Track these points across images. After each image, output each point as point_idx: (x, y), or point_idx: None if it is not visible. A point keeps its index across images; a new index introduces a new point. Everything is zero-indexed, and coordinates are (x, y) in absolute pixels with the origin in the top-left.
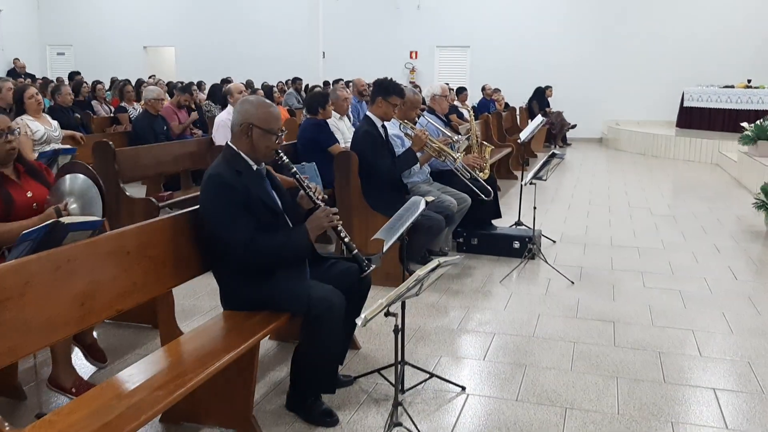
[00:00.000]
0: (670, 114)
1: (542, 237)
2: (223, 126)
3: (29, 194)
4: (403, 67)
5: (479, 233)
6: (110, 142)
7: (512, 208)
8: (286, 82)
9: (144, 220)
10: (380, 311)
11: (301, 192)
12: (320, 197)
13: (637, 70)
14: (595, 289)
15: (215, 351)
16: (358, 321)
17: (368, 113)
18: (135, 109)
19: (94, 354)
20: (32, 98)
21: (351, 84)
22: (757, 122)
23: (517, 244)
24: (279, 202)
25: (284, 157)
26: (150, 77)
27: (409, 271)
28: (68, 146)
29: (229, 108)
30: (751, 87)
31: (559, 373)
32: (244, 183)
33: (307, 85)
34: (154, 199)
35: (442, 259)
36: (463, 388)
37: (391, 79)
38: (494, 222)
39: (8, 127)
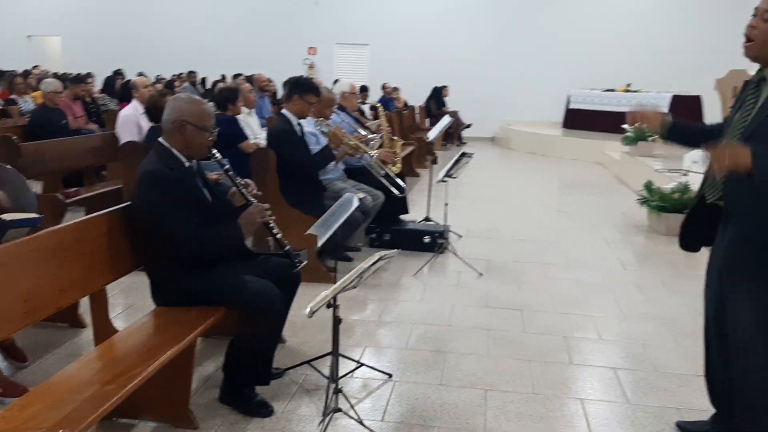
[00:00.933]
0: (558, 115)
1: (449, 232)
2: (128, 121)
3: None
4: (301, 63)
5: (392, 229)
6: (14, 137)
7: (417, 204)
8: (180, 75)
9: (50, 218)
10: (325, 302)
11: (233, 188)
12: (253, 193)
13: (527, 73)
14: (502, 279)
15: (157, 346)
16: (306, 311)
17: (284, 111)
18: (26, 102)
19: (13, 354)
20: None
21: (252, 79)
22: (637, 124)
23: (427, 239)
24: (210, 198)
25: (217, 154)
26: (34, 68)
27: (328, 267)
28: None
29: (134, 103)
30: (630, 91)
31: (477, 358)
32: (178, 178)
33: (203, 79)
34: (60, 196)
35: (383, 253)
36: (390, 376)
37: (307, 77)
38: (403, 218)
39: None
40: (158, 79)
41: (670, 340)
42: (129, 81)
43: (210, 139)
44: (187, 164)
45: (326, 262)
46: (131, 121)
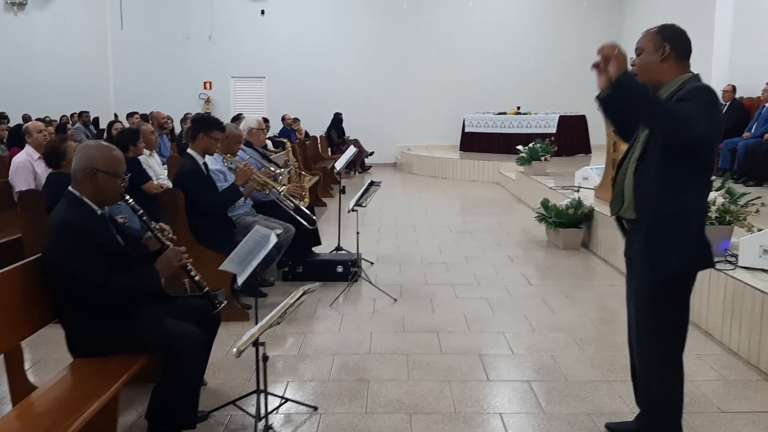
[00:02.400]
0: (455, 139)
1: (362, 260)
2: (23, 168)
3: None
4: (197, 97)
5: (304, 261)
6: None
7: (326, 234)
8: (72, 115)
9: None
10: (251, 341)
11: (148, 233)
12: (169, 237)
13: (423, 99)
14: (416, 303)
15: (81, 399)
16: (233, 350)
17: (189, 150)
18: None
19: None
20: None
21: (150, 117)
22: (530, 145)
23: (340, 269)
24: (123, 245)
25: (130, 200)
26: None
27: (242, 305)
28: None
29: (28, 149)
30: (520, 113)
31: (399, 383)
32: (91, 226)
33: (96, 118)
34: None
35: (306, 287)
36: (316, 408)
37: (210, 114)
38: (314, 249)
39: None
40: (46, 121)
41: (576, 349)
42: (21, 126)
43: (122, 185)
44: (99, 212)
45: (240, 299)
46: (26, 168)
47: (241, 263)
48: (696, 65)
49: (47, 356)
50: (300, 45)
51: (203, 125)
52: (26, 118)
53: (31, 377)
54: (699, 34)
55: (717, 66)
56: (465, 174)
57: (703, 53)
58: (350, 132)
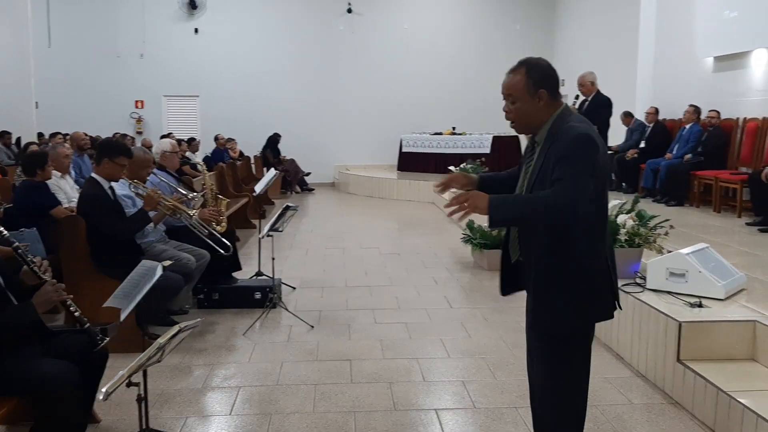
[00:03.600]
0: (392, 159)
1: (282, 285)
2: None
3: None
4: (128, 116)
5: (220, 287)
6: None
7: (253, 258)
8: None
9: None
10: (122, 383)
11: (25, 267)
12: (45, 272)
13: (360, 119)
14: (333, 330)
15: None
16: (99, 395)
17: (93, 174)
18: None
19: None
20: None
21: (69, 138)
22: (462, 165)
23: (258, 295)
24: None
25: (4, 232)
26: None
27: (149, 335)
28: None
29: None
30: (456, 133)
31: (302, 416)
32: None
33: (18, 139)
34: None
35: (183, 325)
36: None
37: (118, 137)
38: (235, 274)
39: None
40: None
41: (488, 375)
42: None
43: None
44: None
45: (147, 329)
46: None
47: (125, 297)
48: (621, 88)
49: None
50: (234, 64)
51: (108, 150)
52: None
53: None
54: (624, 57)
55: (641, 88)
56: (401, 194)
57: (627, 76)
58: (287, 152)
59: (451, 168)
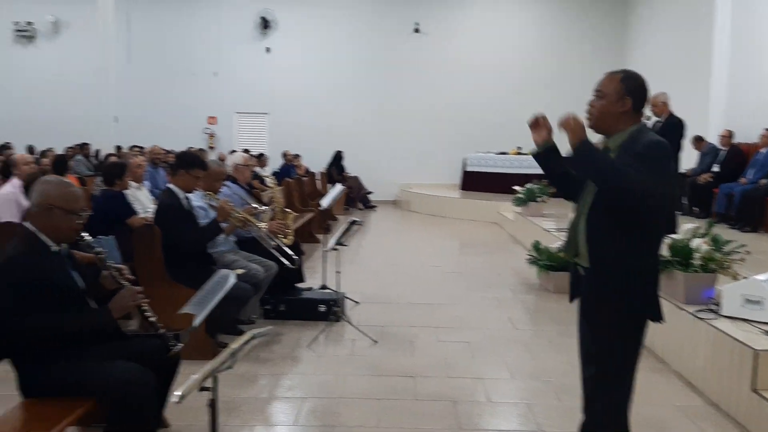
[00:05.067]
0: (456, 177)
1: (346, 299)
2: (7, 200)
3: None
4: (201, 132)
5: (286, 299)
6: None
7: (317, 272)
8: (74, 147)
9: None
10: (196, 387)
11: (105, 272)
12: (125, 277)
13: (424, 138)
14: (396, 346)
15: None
16: (173, 398)
17: (170, 185)
18: None
19: None
20: None
21: (146, 151)
22: (527, 185)
23: (322, 308)
24: (81, 283)
25: (88, 238)
26: None
27: (219, 343)
28: None
29: (14, 180)
30: (521, 153)
31: (366, 430)
32: (41, 265)
33: (97, 151)
34: None
35: (255, 332)
36: None
37: (194, 150)
38: (299, 286)
39: None
40: (43, 153)
41: (553, 398)
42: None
43: (79, 222)
44: (54, 248)
45: (216, 338)
46: (10, 200)
47: (200, 304)
48: (693, 110)
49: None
50: (303, 82)
51: (185, 162)
52: (30, 150)
53: None
54: (696, 78)
55: (714, 110)
56: (464, 213)
57: (700, 98)
58: (352, 169)
59: (516, 188)
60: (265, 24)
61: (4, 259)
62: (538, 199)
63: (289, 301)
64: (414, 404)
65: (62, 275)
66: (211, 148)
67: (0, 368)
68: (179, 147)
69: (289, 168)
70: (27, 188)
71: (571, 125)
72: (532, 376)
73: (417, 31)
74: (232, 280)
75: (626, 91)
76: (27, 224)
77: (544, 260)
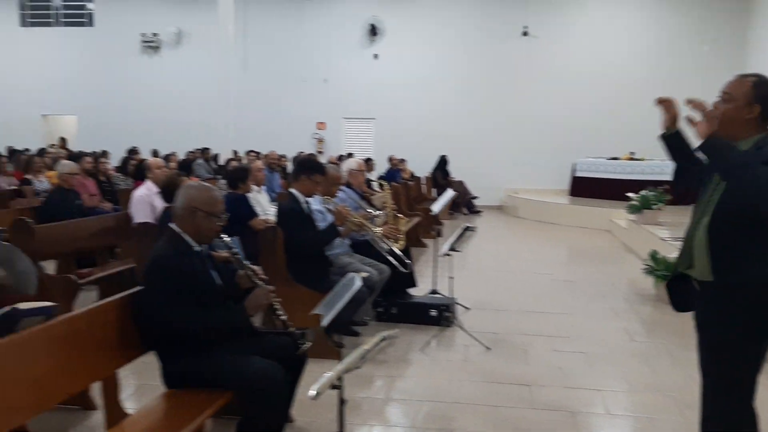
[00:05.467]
0: (563, 183)
1: (456, 304)
2: (141, 202)
3: None
4: (311, 137)
5: (398, 302)
6: (29, 220)
7: (423, 276)
8: (194, 151)
9: (63, 298)
10: (329, 385)
11: (240, 271)
12: (259, 277)
13: (531, 142)
14: (510, 353)
15: (166, 430)
16: (309, 394)
17: (292, 189)
18: (41, 182)
19: None
20: None
21: (263, 155)
22: (642, 192)
23: (434, 313)
24: (219, 281)
25: (226, 239)
26: (51, 146)
27: (336, 343)
28: None
29: (148, 183)
30: (634, 159)
31: None
32: (187, 264)
33: (216, 155)
34: (73, 277)
35: (386, 334)
36: None
37: (306, 155)
38: (410, 291)
39: None
40: (167, 157)
41: (675, 413)
42: (143, 161)
43: (219, 224)
44: (196, 248)
45: (333, 337)
46: (145, 202)
47: (327, 305)
48: None
49: (148, 383)
50: (409, 87)
51: (305, 168)
52: (154, 154)
53: (133, 403)
54: None
55: None
56: (573, 220)
57: None
58: (456, 173)
59: (630, 195)
60: (374, 31)
61: (152, 258)
62: (654, 206)
63: (401, 305)
64: (531, 413)
65: (204, 274)
66: (320, 152)
67: (147, 359)
68: (290, 152)
69: (395, 172)
70: (164, 190)
71: (716, 115)
72: (653, 389)
73: (525, 34)
74: (358, 283)
75: (756, 97)
76: (173, 226)
77: (662, 270)
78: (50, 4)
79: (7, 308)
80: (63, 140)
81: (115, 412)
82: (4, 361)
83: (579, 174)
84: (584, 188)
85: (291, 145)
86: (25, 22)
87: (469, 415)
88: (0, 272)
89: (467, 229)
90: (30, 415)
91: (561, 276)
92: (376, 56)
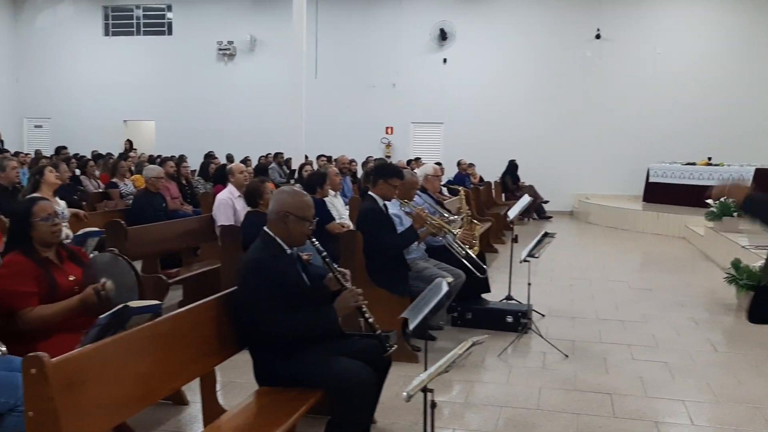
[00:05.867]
0: (637, 189)
1: (532, 311)
2: (224, 205)
3: (71, 278)
4: (379, 142)
5: (473, 308)
6: (122, 221)
7: (496, 282)
8: (267, 156)
9: (153, 297)
10: (420, 387)
11: (330, 274)
12: (347, 280)
13: (603, 147)
14: (589, 361)
15: (262, 427)
16: (403, 395)
17: (371, 193)
18: (126, 185)
19: (123, 430)
20: (51, 175)
21: (334, 160)
22: (722, 199)
23: (510, 319)
24: (308, 283)
25: (316, 242)
26: (131, 151)
27: (413, 347)
28: (96, 229)
29: (230, 187)
30: (711, 164)
31: None
32: (279, 266)
33: (288, 159)
34: (163, 277)
35: (475, 339)
36: None
37: (374, 159)
38: (484, 296)
39: (54, 211)
40: (247, 163)
41: (762, 425)
42: (225, 165)
43: (310, 228)
44: (288, 251)
45: (410, 341)
46: (227, 205)
47: (414, 309)
48: None
49: (235, 380)
50: (478, 91)
51: (384, 173)
52: (229, 158)
53: (220, 399)
54: None
55: None
56: (648, 226)
57: None
58: (525, 178)
59: (709, 201)
60: (443, 35)
61: (247, 260)
62: (734, 213)
63: (476, 310)
64: (614, 422)
65: (295, 276)
66: (388, 157)
67: (240, 357)
68: (358, 156)
69: (464, 177)
70: (247, 195)
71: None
72: (739, 401)
73: (598, 37)
74: (444, 287)
75: None
76: (266, 229)
77: (744, 280)
78: (132, 14)
79: (119, 306)
80: (129, 143)
81: (212, 409)
82: (115, 357)
83: (653, 179)
84: (659, 194)
85: (359, 150)
86: (108, 32)
87: (550, 423)
88: (109, 285)
89: (546, 235)
90: (138, 409)
91: (637, 284)
92: (445, 60)
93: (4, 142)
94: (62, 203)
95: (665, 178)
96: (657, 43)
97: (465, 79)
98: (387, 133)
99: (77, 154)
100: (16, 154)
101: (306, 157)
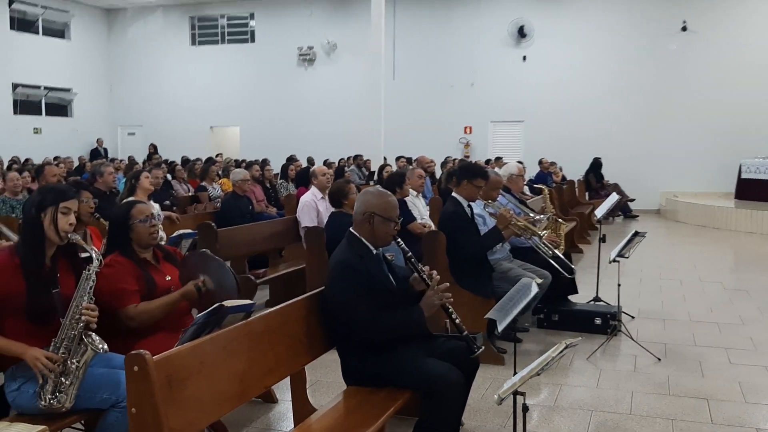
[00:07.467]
0: (728, 185)
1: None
2: (308, 207)
3: (168, 278)
4: (457, 141)
5: (560, 309)
6: (212, 224)
7: (582, 283)
8: (348, 158)
9: (243, 298)
10: (512, 390)
11: (415, 274)
12: (432, 279)
13: (691, 143)
14: (683, 365)
15: (352, 428)
16: (494, 397)
17: (454, 194)
18: (214, 189)
19: (216, 427)
20: (147, 180)
21: (415, 161)
22: None
23: (598, 321)
24: (394, 283)
25: (401, 243)
26: (217, 155)
27: (498, 348)
28: (189, 231)
29: (313, 189)
30: None
31: None
32: (366, 266)
33: (367, 161)
34: (252, 277)
35: (569, 341)
36: None
37: (476, 162)
38: (571, 298)
39: (152, 213)
40: (327, 164)
41: None
42: (308, 168)
43: (395, 228)
44: (374, 252)
45: (496, 343)
46: (311, 207)
47: (501, 310)
48: None
49: (322, 379)
50: (559, 88)
51: (468, 173)
52: (310, 161)
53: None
54: None
55: None
56: (741, 224)
57: None
58: (610, 176)
59: None
60: (522, 32)
61: (335, 261)
62: None
63: (563, 312)
64: (712, 428)
65: (382, 276)
66: (467, 157)
67: (327, 356)
68: (437, 157)
69: (546, 176)
70: (331, 196)
71: None
72: None
73: (684, 29)
74: (534, 289)
75: None
76: (352, 230)
77: None
78: (217, 23)
79: (216, 305)
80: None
81: (302, 407)
82: (212, 355)
83: (746, 176)
84: (752, 191)
85: (438, 151)
86: (195, 42)
87: (645, 428)
88: (208, 281)
89: (636, 234)
90: (234, 406)
91: (731, 284)
92: (524, 58)
93: (107, 150)
94: (156, 206)
95: (759, 174)
96: (747, 34)
97: (545, 75)
98: (466, 132)
99: (167, 159)
100: (112, 160)
101: (384, 159)
